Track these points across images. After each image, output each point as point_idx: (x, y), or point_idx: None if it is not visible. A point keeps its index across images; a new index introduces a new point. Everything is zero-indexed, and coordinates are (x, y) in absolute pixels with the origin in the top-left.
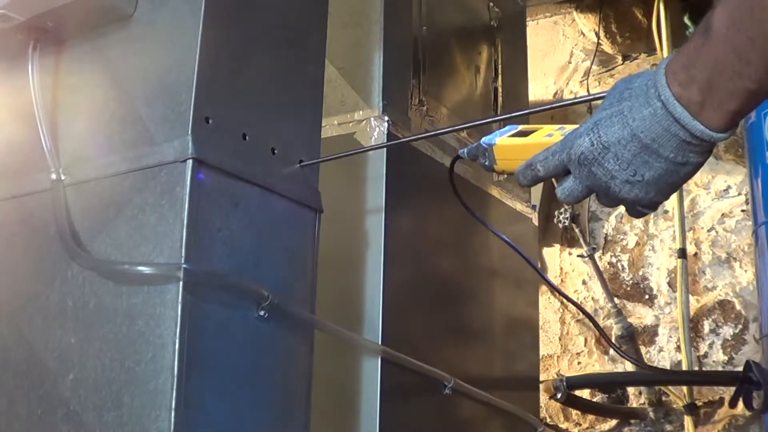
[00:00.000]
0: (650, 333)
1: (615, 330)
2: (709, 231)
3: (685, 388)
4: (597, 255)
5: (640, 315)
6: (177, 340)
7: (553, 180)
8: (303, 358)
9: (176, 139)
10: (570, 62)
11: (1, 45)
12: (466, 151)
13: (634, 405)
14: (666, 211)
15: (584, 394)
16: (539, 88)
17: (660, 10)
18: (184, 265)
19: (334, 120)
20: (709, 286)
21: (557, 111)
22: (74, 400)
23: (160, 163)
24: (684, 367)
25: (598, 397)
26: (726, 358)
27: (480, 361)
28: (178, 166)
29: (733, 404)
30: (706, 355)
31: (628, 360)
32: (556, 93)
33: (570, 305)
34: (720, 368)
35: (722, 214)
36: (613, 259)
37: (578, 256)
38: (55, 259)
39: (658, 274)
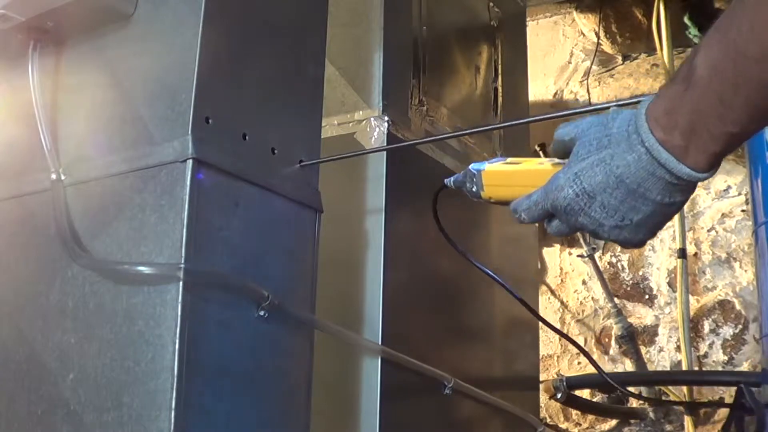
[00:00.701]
0: (650, 333)
1: (615, 330)
2: (709, 231)
3: (685, 388)
4: (597, 255)
5: (640, 315)
6: (177, 340)
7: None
8: (303, 358)
9: (176, 139)
10: (570, 62)
11: (1, 45)
12: (452, 180)
13: (634, 405)
14: None
15: (584, 394)
16: (539, 88)
17: (660, 10)
18: (184, 265)
19: (334, 120)
20: (709, 286)
21: (556, 102)
22: (74, 400)
23: (160, 163)
24: (684, 368)
25: (598, 397)
26: (726, 358)
27: (480, 361)
28: (178, 166)
29: (726, 430)
30: (706, 355)
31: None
32: (556, 93)
33: (570, 305)
34: (720, 368)
35: (722, 214)
36: (613, 259)
37: (578, 256)
38: (55, 259)
39: (658, 274)
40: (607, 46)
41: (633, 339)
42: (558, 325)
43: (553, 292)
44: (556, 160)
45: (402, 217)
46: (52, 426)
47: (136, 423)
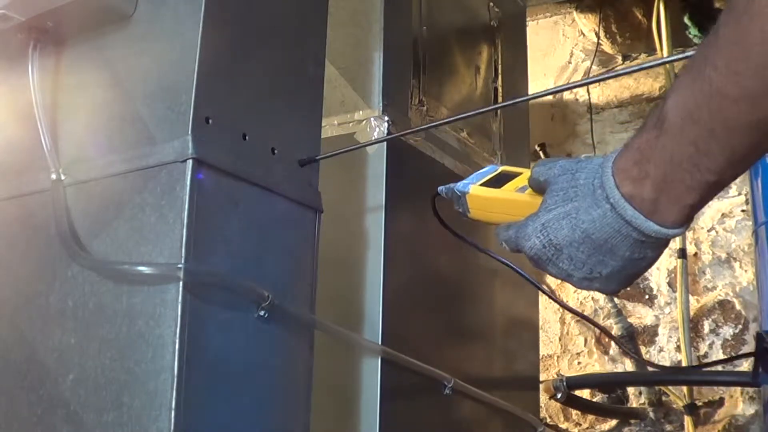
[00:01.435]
0: (650, 333)
1: (615, 330)
2: (709, 231)
3: (685, 388)
4: None
5: (640, 315)
6: (177, 340)
7: None
8: (303, 358)
9: (176, 139)
10: (570, 62)
11: (1, 45)
12: (445, 189)
13: (634, 405)
14: None
15: (584, 394)
16: (539, 88)
17: (660, 10)
18: (184, 265)
19: (334, 120)
20: (709, 286)
21: (557, 111)
22: (74, 400)
23: (160, 163)
24: None
25: (598, 397)
26: (726, 358)
27: (480, 361)
28: (178, 166)
29: (754, 378)
30: (706, 355)
31: (633, 358)
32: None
33: (570, 305)
34: (720, 368)
35: (722, 214)
36: None
37: None
38: (55, 259)
39: (658, 274)
40: (607, 46)
41: (633, 339)
42: (558, 325)
43: (553, 292)
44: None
45: (402, 216)
46: (52, 426)
47: (136, 423)
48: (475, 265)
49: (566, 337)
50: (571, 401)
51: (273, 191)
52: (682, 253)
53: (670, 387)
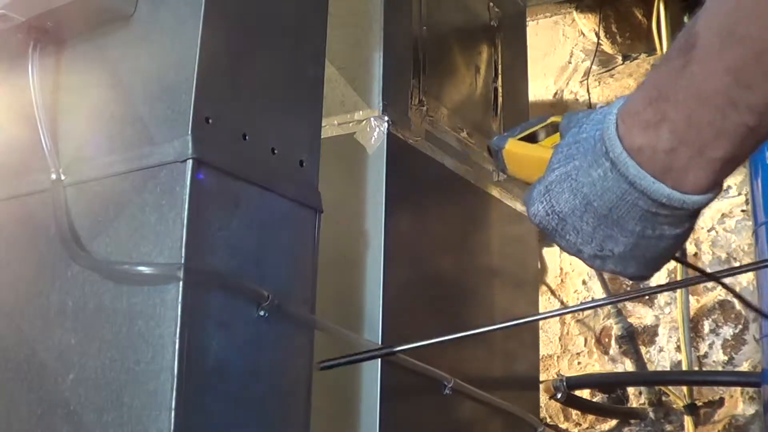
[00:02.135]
0: (650, 333)
1: (615, 330)
2: (709, 231)
3: (685, 388)
4: None
5: (640, 315)
6: (177, 340)
7: None
8: (303, 358)
9: (176, 139)
10: (570, 62)
11: (1, 45)
12: (490, 145)
13: (634, 405)
14: None
15: (584, 394)
16: (539, 88)
17: (660, 10)
18: (184, 265)
19: (334, 120)
20: (709, 286)
21: (556, 111)
22: (74, 400)
23: (160, 163)
24: (684, 368)
25: (598, 397)
26: (726, 358)
27: (480, 361)
28: (178, 166)
29: None
30: (706, 355)
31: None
32: (556, 93)
33: (570, 305)
34: (720, 368)
35: (722, 214)
36: None
37: None
38: (55, 259)
39: (658, 273)
40: (607, 46)
41: (633, 339)
42: (558, 326)
43: (553, 292)
44: None
45: (402, 217)
46: (52, 426)
47: (136, 423)
48: (475, 265)
49: (566, 337)
50: (571, 401)
51: (273, 191)
52: (682, 253)
53: (670, 387)
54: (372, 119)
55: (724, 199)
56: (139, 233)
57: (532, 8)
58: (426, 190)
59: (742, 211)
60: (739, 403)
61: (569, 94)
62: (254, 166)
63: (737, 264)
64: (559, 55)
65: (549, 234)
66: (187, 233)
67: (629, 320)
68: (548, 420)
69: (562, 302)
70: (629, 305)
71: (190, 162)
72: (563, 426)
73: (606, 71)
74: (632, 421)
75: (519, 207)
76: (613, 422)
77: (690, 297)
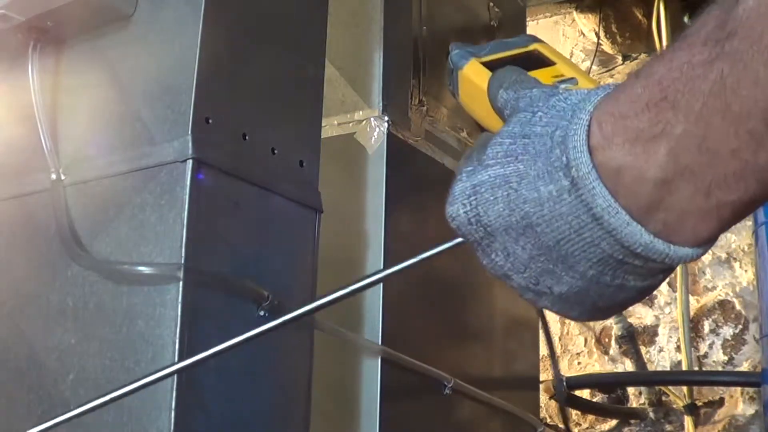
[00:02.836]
0: (650, 333)
1: (615, 330)
2: None
3: (685, 388)
4: None
5: (640, 315)
6: (177, 340)
7: None
8: (303, 358)
9: (176, 139)
10: None
11: (1, 45)
12: (450, 52)
13: (634, 405)
14: None
15: (584, 394)
16: None
17: (660, 10)
18: (184, 265)
19: (334, 120)
20: (709, 286)
21: None
22: (74, 400)
23: (160, 163)
24: (684, 368)
25: (598, 397)
26: (726, 358)
27: (480, 361)
28: (178, 166)
29: None
30: (706, 355)
31: None
32: None
33: None
34: (720, 368)
35: None
36: None
37: None
38: (55, 259)
39: None
40: (607, 46)
41: (633, 339)
42: (558, 326)
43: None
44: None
45: (402, 217)
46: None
47: (136, 423)
48: (475, 265)
49: (566, 337)
50: (571, 401)
51: (273, 191)
52: None
53: (670, 387)
54: (372, 119)
55: None
56: (139, 233)
57: (532, 8)
58: (426, 190)
59: None
60: (739, 403)
61: None
62: (254, 166)
63: (737, 264)
64: None
65: (469, 243)
66: (187, 233)
67: (629, 320)
68: (548, 420)
69: None
70: None
71: (190, 162)
72: (563, 426)
73: (606, 71)
74: (632, 421)
75: None
76: (613, 422)
77: (690, 297)
